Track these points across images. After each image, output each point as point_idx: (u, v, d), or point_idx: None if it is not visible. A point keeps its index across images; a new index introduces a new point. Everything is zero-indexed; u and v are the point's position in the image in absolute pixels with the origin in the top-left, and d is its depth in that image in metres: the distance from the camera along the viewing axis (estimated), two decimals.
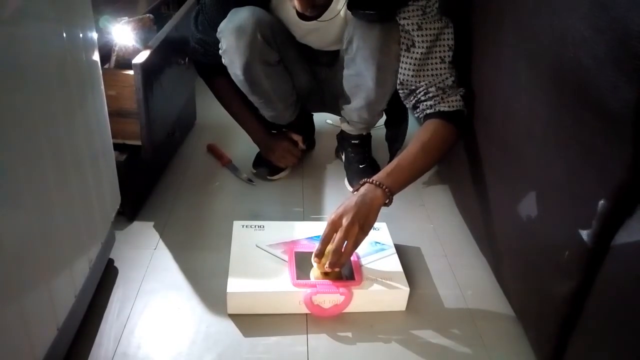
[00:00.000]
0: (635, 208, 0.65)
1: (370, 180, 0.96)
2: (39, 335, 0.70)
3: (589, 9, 0.66)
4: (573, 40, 0.69)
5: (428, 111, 1.06)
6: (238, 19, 1.12)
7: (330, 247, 0.92)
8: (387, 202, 0.95)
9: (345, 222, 0.90)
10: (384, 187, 0.95)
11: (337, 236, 0.90)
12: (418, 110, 1.09)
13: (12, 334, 0.62)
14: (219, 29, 1.14)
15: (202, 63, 1.29)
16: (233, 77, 1.20)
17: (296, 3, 1.02)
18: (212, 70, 1.27)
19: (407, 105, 1.13)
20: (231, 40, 1.12)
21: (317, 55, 1.27)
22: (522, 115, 0.88)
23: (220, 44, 1.15)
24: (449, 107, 1.05)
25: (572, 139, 0.74)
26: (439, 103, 1.05)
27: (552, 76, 0.78)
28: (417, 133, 1.06)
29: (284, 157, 1.34)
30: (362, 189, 0.95)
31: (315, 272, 0.96)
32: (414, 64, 1.06)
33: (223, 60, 1.17)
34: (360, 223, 0.90)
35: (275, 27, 1.17)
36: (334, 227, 0.91)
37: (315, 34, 1.20)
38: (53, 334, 0.73)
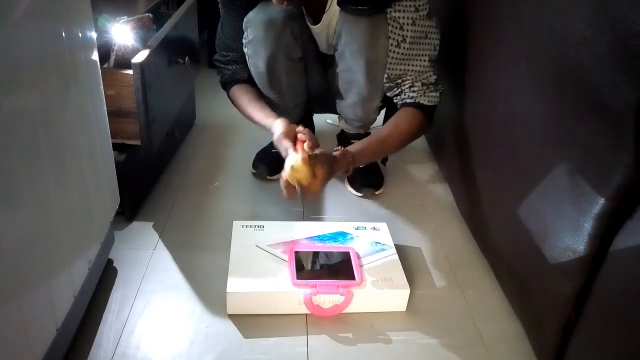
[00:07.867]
0: (636, 209, 0.65)
1: (349, 154, 1.05)
2: (38, 336, 0.69)
3: (590, 8, 0.66)
4: (574, 40, 0.69)
5: (408, 101, 1.13)
6: (269, 10, 1.12)
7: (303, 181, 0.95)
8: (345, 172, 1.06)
9: (321, 176, 0.96)
10: (352, 164, 1.05)
11: (310, 180, 0.95)
12: (398, 98, 1.15)
13: (11, 335, 0.62)
14: (246, 19, 1.15)
15: (221, 81, 1.29)
16: (252, 68, 1.20)
17: None
18: (227, 83, 1.27)
19: (388, 95, 1.17)
20: (259, 31, 1.13)
21: (326, 55, 1.28)
22: (522, 115, 0.88)
23: (245, 34, 1.16)
24: (428, 101, 1.12)
25: (572, 139, 0.74)
26: (421, 96, 1.12)
27: (552, 76, 0.78)
28: (395, 118, 1.13)
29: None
30: (341, 158, 1.04)
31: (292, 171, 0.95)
32: (402, 58, 1.10)
33: (245, 50, 1.18)
34: (324, 183, 0.98)
35: (302, 24, 1.19)
36: (314, 165, 0.96)
37: (324, 33, 1.20)
38: (52, 334, 0.73)
